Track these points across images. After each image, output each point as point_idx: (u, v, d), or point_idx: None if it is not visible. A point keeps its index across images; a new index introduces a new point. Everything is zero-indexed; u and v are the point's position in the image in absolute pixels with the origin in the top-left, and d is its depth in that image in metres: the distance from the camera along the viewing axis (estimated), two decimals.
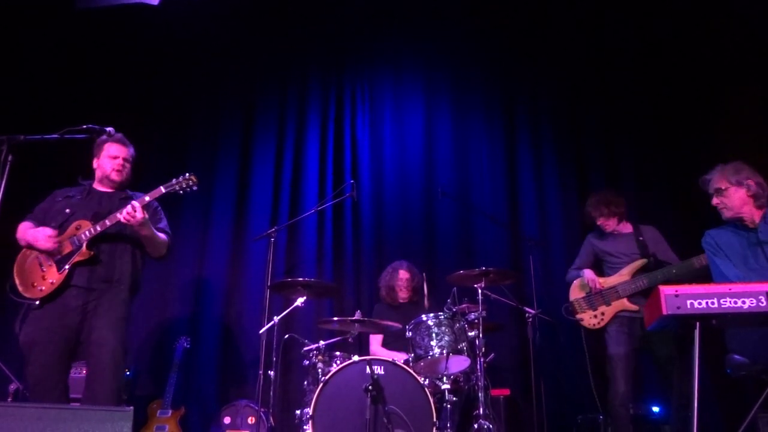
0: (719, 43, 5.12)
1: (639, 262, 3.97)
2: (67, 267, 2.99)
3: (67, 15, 5.37)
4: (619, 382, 3.80)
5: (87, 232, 3.03)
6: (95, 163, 3.37)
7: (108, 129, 3.07)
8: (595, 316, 4.01)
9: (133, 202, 3.03)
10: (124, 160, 3.34)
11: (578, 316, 4.08)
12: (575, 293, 4.16)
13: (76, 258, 3.00)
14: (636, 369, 3.91)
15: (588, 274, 4.07)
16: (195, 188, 3.18)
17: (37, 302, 2.99)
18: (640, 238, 4.04)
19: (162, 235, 3.27)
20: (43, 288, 2.97)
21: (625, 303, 3.92)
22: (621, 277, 3.99)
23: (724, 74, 5.10)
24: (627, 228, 4.15)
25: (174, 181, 3.17)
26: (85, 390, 2.95)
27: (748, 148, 4.36)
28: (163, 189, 3.13)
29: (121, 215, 2.99)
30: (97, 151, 3.34)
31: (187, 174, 3.18)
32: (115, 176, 3.31)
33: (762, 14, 4.67)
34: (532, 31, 5.76)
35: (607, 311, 3.98)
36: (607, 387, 3.91)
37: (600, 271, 4.15)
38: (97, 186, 3.34)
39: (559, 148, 5.54)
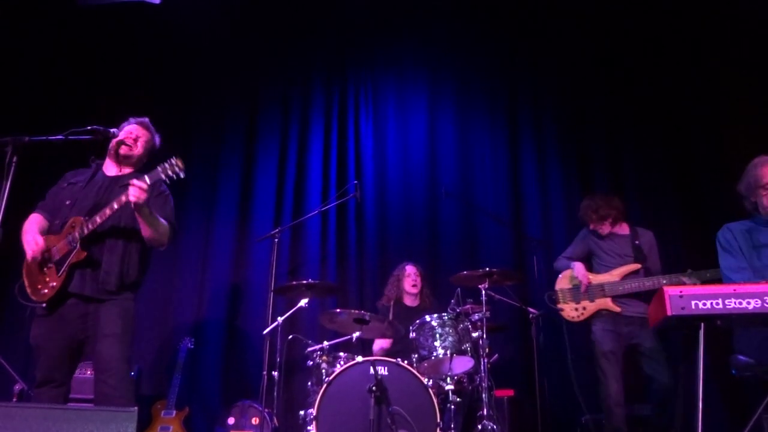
0: (725, 43, 5.10)
1: (632, 266, 3.97)
2: (64, 269, 2.86)
3: (70, 14, 5.38)
4: (610, 382, 3.79)
5: (80, 231, 2.87)
6: None
7: (112, 130, 3.05)
8: (576, 309, 4.03)
9: (134, 181, 2.75)
10: (137, 138, 3.14)
11: (559, 306, 4.11)
12: (562, 283, 4.17)
13: (72, 259, 2.86)
14: (626, 368, 3.89)
15: (579, 269, 4.05)
16: (182, 174, 2.78)
17: (44, 305, 2.88)
18: (636, 242, 4.03)
19: (163, 221, 3.02)
20: (46, 291, 2.88)
21: (608, 303, 3.92)
22: (611, 276, 3.99)
23: (730, 74, 5.09)
24: (624, 229, 4.13)
25: (159, 168, 2.78)
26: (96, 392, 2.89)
27: (754, 149, 4.34)
28: (148, 179, 2.77)
29: (126, 197, 2.75)
30: (118, 132, 3.15)
31: (173, 159, 2.78)
32: (121, 149, 3.09)
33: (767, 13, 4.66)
34: (535, 31, 5.76)
35: (589, 307, 3.98)
36: (598, 388, 3.89)
37: (588, 264, 4.15)
38: (106, 168, 3.17)
39: (563, 148, 5.54)
